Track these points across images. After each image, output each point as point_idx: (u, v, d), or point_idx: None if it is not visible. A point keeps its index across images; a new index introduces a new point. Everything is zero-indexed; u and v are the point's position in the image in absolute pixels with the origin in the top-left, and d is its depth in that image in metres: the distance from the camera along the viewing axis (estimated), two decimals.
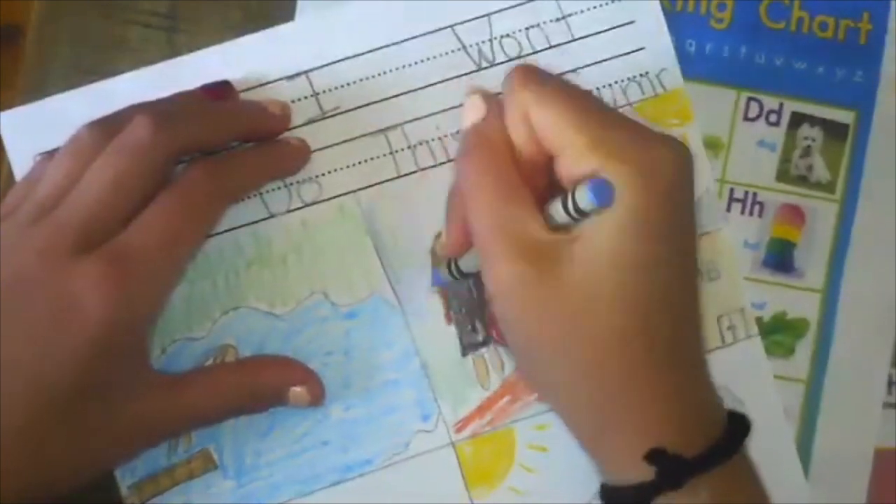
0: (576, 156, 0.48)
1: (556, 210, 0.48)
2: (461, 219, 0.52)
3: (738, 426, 0.49)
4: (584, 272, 0.47)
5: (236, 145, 0.55)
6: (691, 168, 0.49)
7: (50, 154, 0.54)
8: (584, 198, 0.46)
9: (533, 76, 0.50)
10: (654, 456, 0.47)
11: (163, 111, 0.52)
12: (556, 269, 0.47)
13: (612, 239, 0.47)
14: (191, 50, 0.58)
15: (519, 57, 0.57)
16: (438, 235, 0.57)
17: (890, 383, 0.58)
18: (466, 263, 0.54)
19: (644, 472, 0.47)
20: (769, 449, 0.56)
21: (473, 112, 0.51)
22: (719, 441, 0.48)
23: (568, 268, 0.47)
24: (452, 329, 0.57)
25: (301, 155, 0.56)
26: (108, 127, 0.51)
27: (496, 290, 0.49)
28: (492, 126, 0.51)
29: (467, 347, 0.57)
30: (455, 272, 0.55)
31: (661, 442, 0.47)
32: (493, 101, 0.51)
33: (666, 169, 0.48)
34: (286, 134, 0.56)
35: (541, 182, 0.50)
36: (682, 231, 0.49)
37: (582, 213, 0.47)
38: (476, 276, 0.55)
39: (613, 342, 0.48)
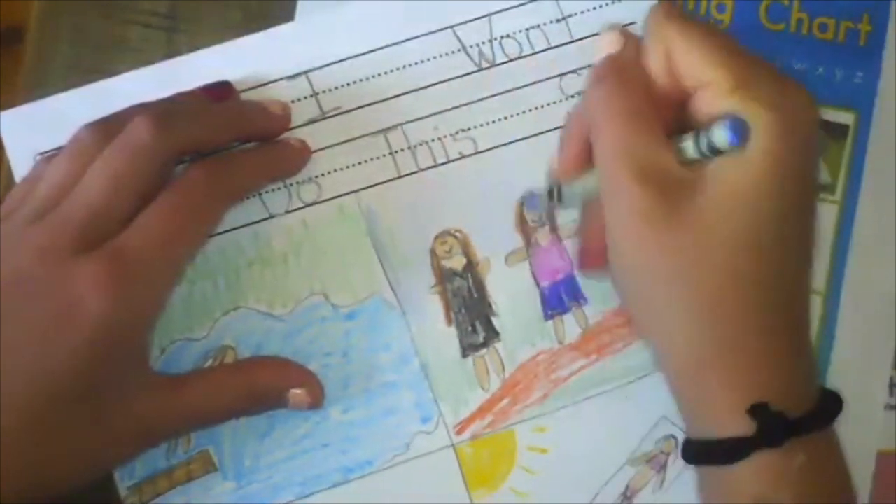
0: (716, 94, 0.48)
1: (688, 146, 0.48)
2: (578, 143, 0.52)
3: (832, 397, 0.49)
4: (711, 210, 0.47)
5: (236, 146, 0.55)
6: (819, 123, 0.49)
7: (50, 155, 0.54)
8: (721, 136, 0.46)
9: (677, 11, 0.50)
10: (758, 410, 0.46)
11: (163, 111, 0.52)
12: (683, 202, 0.47)
13: (744, 181, 0.47)
14: (191, 50, 0.58)
15: (519, 57, 0.57)
16: (439, 236, 0.57)
17: (891, 385, 0.58)
18: (570, 192, 0.54)
19: (742, 427, 0.46)
20: None
21: (609, 45, 0.51)
22: (819, 406, 0.48)
23: (695, 203, 0.47)
24: (452, 330, 0.57)
25: (301, 156, 0.56)
26: (108, 127, 0.51)
27: (618, 214, 0.49)
28: (628, 57, 0.51)
29: (467, 348, 0.57)
30: (557, 197, 0.55)
31: (765, 397, 0.46)
32: (630, 37, 0.51)
33: (804, 118, 0.48)
34: (286, 134, 0.56)
35: (671, 118, 0.50)
36: (811, 184, 0.49)
37: (714, 151, 0.47)
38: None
39: (730, 286, 0.47)
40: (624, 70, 0.50)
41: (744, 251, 0.47)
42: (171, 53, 0.59)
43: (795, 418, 0.46)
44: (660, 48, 0.50)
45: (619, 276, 0.51)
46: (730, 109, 0.47)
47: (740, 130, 0.46)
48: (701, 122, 0.48)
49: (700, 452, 0.49)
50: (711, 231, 0.47)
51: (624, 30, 0.52)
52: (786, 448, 0.46)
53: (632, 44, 0.51)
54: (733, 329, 0.47)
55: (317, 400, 0.55)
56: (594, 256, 0.54)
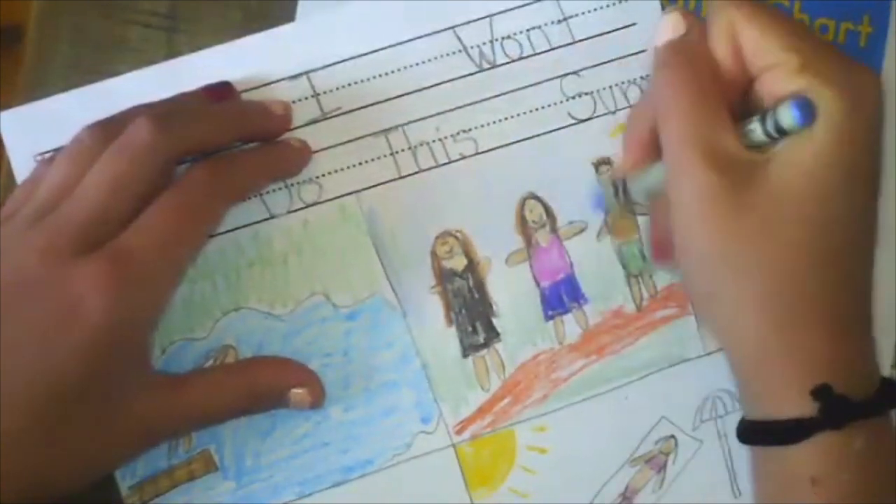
0: (783, 75, 0.48)
1: (755, 128, 0.48)
2: (643, 134, 0.53)
3: (891, 383, 0.49)
4: (777, 193, 0.47)
5: (238, 146, 0.55)
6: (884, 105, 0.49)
7: (50, 156, 0.54)
8: (787, 116, 0.46)
9: None
10: (822, 392, 0.47)
11: (163, 112, 0.52)
12: (748, 185, 0.47)
13: (811, 161, 0.47)
14: (191, 50, 0.58)
15: (520, 58, 0.57)
16: (439, 236, 0.57)
17: None
18: (636, 186, 0.55)
19: (804, 408, 0.47)
20: None
21: (671, 28, 0.51)
22: (880, 392, 0.48)
23: (761, 186, 0.47)
24: (453, 330, 0.57)
25: (302, 156, 0.56)
26: (109, 129, 0.51)
27: (685, 200, 0.49)
28: (693, 41, 0.51)
29: (468, 348, 0.57)
30: (622, 193, 0.55)
31: (828, 379, 0.47)
32: (692, 19, 0.51)
33: (870, 96, 0.48)
34: (287, 135, 0.56)
35: (735, 101, 0.50)
36: (877, 161, 0.49)
37: (781, 133, 0.47)
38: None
39: (797, 269, 0.47)
40: (689, 54, 0.50)
41: (813, 231, 0.47)
42: (171, 53, 0.59)
43: (858, 401, 0.47)
44: (724, 31, 0.50)
45: (685, 260, 0.51)
46: (796, 89, 0.47)
47: (807, 110, 0.46)
48: (766, 104, 0.49)
49: (758, 432, 0.49)
50: (780, 212, 0.47)
51: (685, 12, 0.51)
52: (846, 431, 0.47)
53: (695, 26, 0.51)
54: (802, 310, 0.48)
55: (318, 399, 0.55)
56: (665, 248, 0.54)
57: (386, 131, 0.57)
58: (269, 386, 0.54)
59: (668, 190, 0.50)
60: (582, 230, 0.58)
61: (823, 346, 0.47)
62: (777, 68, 0.48)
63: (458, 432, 0.57)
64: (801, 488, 0.47)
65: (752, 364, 0.49)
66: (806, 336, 0.47)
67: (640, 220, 0.58)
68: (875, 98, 0.48)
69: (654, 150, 0.53)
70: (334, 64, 0.57)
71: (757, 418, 0.49)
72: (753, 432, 0.50)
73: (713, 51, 0.50)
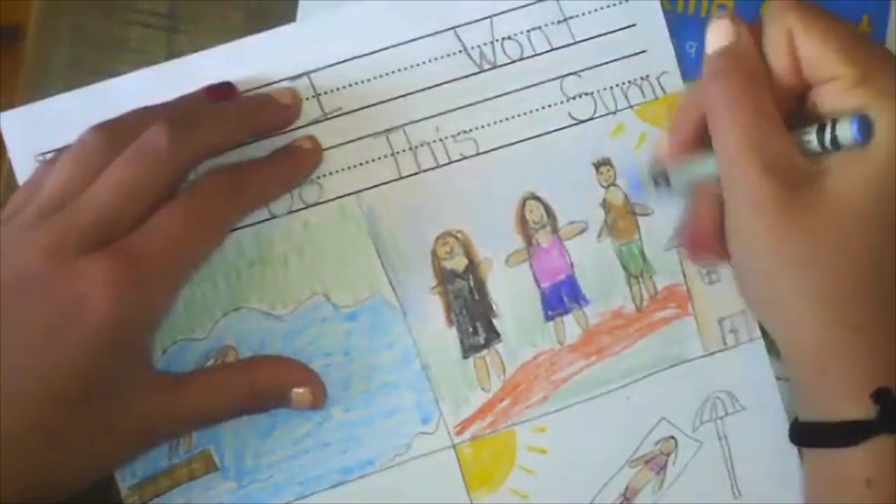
0: (841, 88, 0.48)
1: (811, 139, 0.49)
2: (690, 129, 0.54)
3: None
4: (836, 200, 0.48)
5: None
6: None
7: (52, 158, 0.54)
8: (846, 132, 0.47)
9: (800, 2, 0.50)
10: (881, 395, 0.47)
11: (179, 119, 0.51)
12: (807, 193, 0.48)
13: (867, 173, 0.48)
14: (191, 50, 0.58)
15: (520, 59, 0.57)
16: (440, 236, 0.57)
17: None
18: (675, 175, 0.55)
19: (862, 411, 0.47)
20: (770, 450, 0.57)
21: (722, 35, 0.51)
22: None
23: (819, 193, 0.48)
24: (453, 331, 0.57)
25: (314, 158, 0.56)
26: (114, 131, 0.51)
27: (743, 205, 0.49)
28: (747, 49, 0.51)
29: (468, 349, 0.57)
30: (664, 183, 0.56)
31: (889, 383, 0.47)
32: (743, 24, 0.52)
33: None
34: (296, 134, 0.56)
35: (788, 108, 0.51)
36: None
37: (837, 146, 0.48)
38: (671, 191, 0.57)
39: (859, 272, 0.48)
40: (742, 61, 0.51)
41: (874, 236, 0.48)
42: (171, 53, 0.59)
43: None
44: (782, 39, 0.50)
45: (743, 264, 0.52)
46: (855, 104, 0.48)
47: (865, 127, 0.47)
48: (823, 115, 0.49)
49: (814, 434, 0.49)
50: (841, 218, 0.48)
51: (734, 17, 0.52)
52: None
53: (746, 33, 0.51)
54: (864, 312, 0.48)
55: (319, 399, 0.55)
56: (705, 242, 0.55)
57: (387, 132, 0.57)
58: (270, 385, 0.54)
59: (724, 196, 0.51)
60: (582, 230, 0.58)
61: (885, 349, 0.48)
62: (835, 81, 0.49)
63: (459, 433, 0.57)
64: (855, 490, 0.48)
65: (812, 366, 0.50)
66: (868, 338, 0.48)
67: (641, 220, 0.58)
68: None
69: (698, 143, 0.53)
70: (335, 64, 0.57)
71: (812, 419, 0.50)
72: (809, 434, 0.50)
73: (770, 58, 0.51)
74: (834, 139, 0.48)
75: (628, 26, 0.58)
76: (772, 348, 0.57)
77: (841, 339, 0.48)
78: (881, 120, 0.47)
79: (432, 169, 0.57)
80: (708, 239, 0.55)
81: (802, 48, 0.50)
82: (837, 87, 0.49)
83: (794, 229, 0.48)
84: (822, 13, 0.50)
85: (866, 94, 0.48)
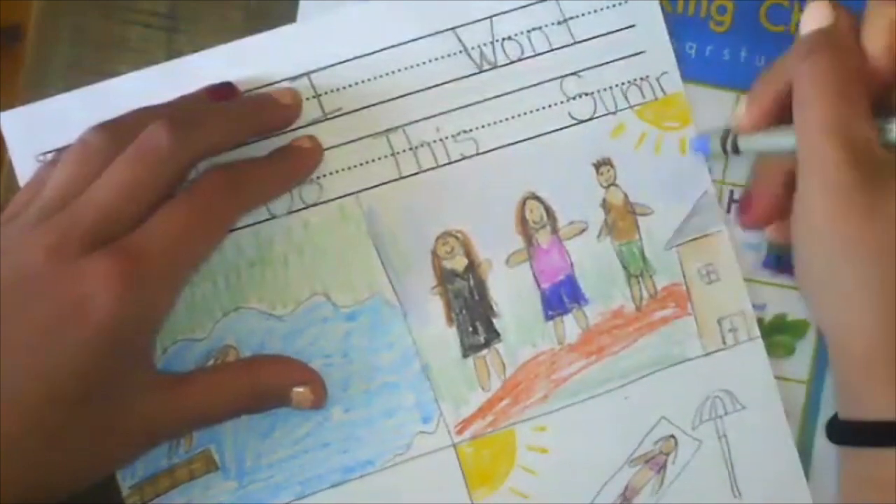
0: None
1: (891, 129, 0.49)
2: (770, 100, 0.54)
3: None
4: None
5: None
6: None
7: (53, 158, 0.54)
8: None
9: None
10: None
11: (180, 118, 0.51)
12: (883, 184, 0.48)
13: None
14: (191, 50, 0.58)
15: (520, 59, 0.58)
16: (440, 236, 0.57)
17: None
18: (747, 143, 0.55)
19: None
20: (770, 450, 0.57)
21: (818, 17, 0.52)
22: None
23: (890, 190, 0.48)
24: (453, 330, 0.57)
25: (314, 158, 0.56)
26: (116, 131, 0.51)
27: (820, 186, 0.49)
28: (843, 31, 0.51)
29: (468, 349, 0.57)
30: (730, 146, 0.56)
31: None
32: (841, 9, 0.52)
33: None
34: (297, 134, 0.56)
35: (877, 98, 0.51)
36: None
37: None
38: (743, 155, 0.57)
39: None
40: (839, 45, 0.51)
41: None
42: (171, 53, 0.59)
43: None
44: (883, 23, 0.50)
45: (807, 243, 0.51)
46: None
47: None
48: None
49: (855, 433, 0.50)
50: None
51: (833, 2, 0.52)
52: None
53: (845, 17, 0.51)
54: None
55: (320, 398, 0.55)
56: (762, 212, 0.56)
57: (387, 132, 0.57)
58: (271, 385, 0.54)
59: (798, 174, 0.51)
60: (582, 230, 0.58)
61: None
62: None
63: (459, 432, 0.57)
64: (892, 492, 0.47)
65: (860, 362, 0.50)
66: None
67: (641, 220, 0.58)
68: None
69: (775, 116, 0.54)
70: (335, 64, 0.57)
71: (853, 418, 0.50)
72: (849, 433, 0.50)
73: (867, 46, 0.51)
74: None
75: (628, 27, 0.58)
76: (770, 349, 0.58)
77: (893, 338, 0.48)
78: None
79: (432, 169, 0.57)
80: (766, 211, 0.55)
81: None
82: None
83: (866, 217, 0.48)
84: None
85: None
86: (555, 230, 0.58)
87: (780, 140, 0.53)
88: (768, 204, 0.56)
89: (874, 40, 0.51)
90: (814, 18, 0.52)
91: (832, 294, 0.51)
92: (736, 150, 0.56)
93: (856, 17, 0.52)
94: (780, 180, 0.55)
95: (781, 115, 0.53)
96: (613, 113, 0.58)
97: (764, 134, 0.55)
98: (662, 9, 0.58)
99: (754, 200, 0.57)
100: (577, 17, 0.58)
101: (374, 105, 0.57)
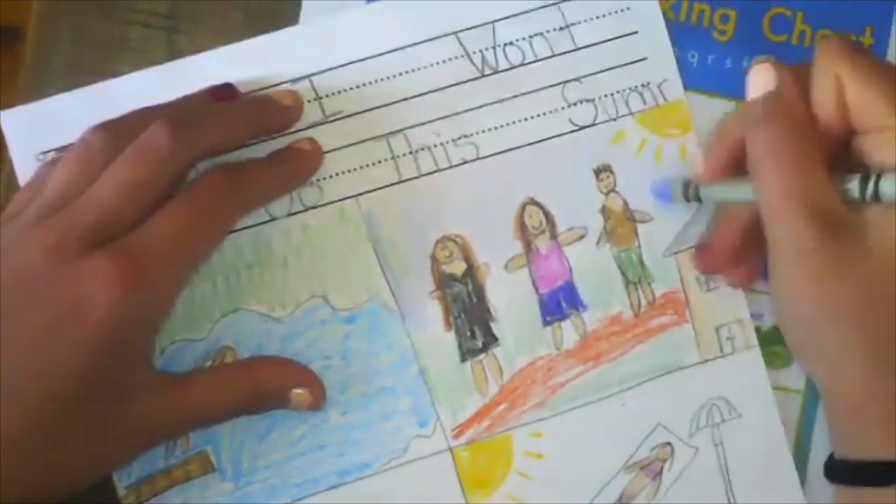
0: (888, 141, 0.48)
1: (851, 188, 0.49)
2: (728, 153, 0.54)
3: None
4: (876, 256, 0.48)
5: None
6: None
7: (53, 158, 0.54)
8: (890, 188, 0.47)
9: (850, 48, 0.50)
10: None
11: (180, 118, 0.51)
12: (849, 244, 0.48)
13: None
14: (191, 50, 0.58)
15: (522, 64, 0.58)
16: (439, 240, 0.57)
17: None
18: (708, 193, 0.55)
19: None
20: (766, 458, 0.57)
21: (764, 81, 0.52)
22: None
23: (861, 247, 0.48)
24: (451, 335, 0.57)
25: (314, 160, 0.56)
26: (116, 131, 0.51)
27: (785, 250, 0.49)
28: (789, 93, 0.51)
29: (466, 353, 0.57)
30: (691, 195, 0.56)
31: None
32: (786, 70, 0.52)
33: None
34: (297, 137, 0.56)
35: (833, 152, 0.50)
36: None
37: (878, 200, 0.48)
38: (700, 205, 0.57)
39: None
40: (788, 109, 0.51)
41: None
42: (171, 53, 0.59)
43: None
44: (829, 85, 0.50)
45: (785, 309, 0.52)
46: None
47: None
48: (868, 163, 0.49)
49: (850, 472, 0.50)
50: (883, 270, 0.48)
51: (776, 63, 0.52)
52: None
53: (790, 77, 0.51)
54: None
55: (318, 400, 0.55)
56: (719, 258, 0.56)
57: (387, 135, 0.57)
58: (270, 386, 0.54)
59: (768, 242, 0.51)
60: (581, 236, 0.58)
61: None
62: (883, 133, 0.49)
63: (456, 437, 0.57)
64: None
65: (853, 408, 0.50)
66: None
67: (640, 227, 0.58)
68: None
69: (734, 167, 0.54)
70: (337, 67, 0.57)
71: (848, 457, 0.50)
72: (844, 472, 0.50)
73: (816, 103, 0.51)
74: (876, 193, 0.48)
75: (630, 33, 0.58)
76: (767, 358, 0.58)
77: (884, 384, 0.48)
78: None
79: (432, 173, 0.57)
80: (725, 259, 0.56)
81: (851, 96, 0.49)
82: (884, 138, 0.48)
83: (836, 280, 0.48)
84: (873, 61, 0.50)
85: None
86: (554, 236, 0.58)
87: (740, 192, 0.53)
88: (724, 253, 0.56)
89: (823, 99, 0.50)
90: (760, 82, 0.52)
91: (816, 352, 0.51)
92: (698, 199, 0.56)
93: (803, 70, 0.52)
94: (739, 230, 0.55)
95: (738, 167, 0.53)
96: (614, 119, 0.58)
97: (723, 185, 0.55)
98: (665, 17, 0.58)
99: (713, 248, 0.57)
100: (579, 23, 0.58)
101: (374, 108, 0.57)
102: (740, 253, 0.56)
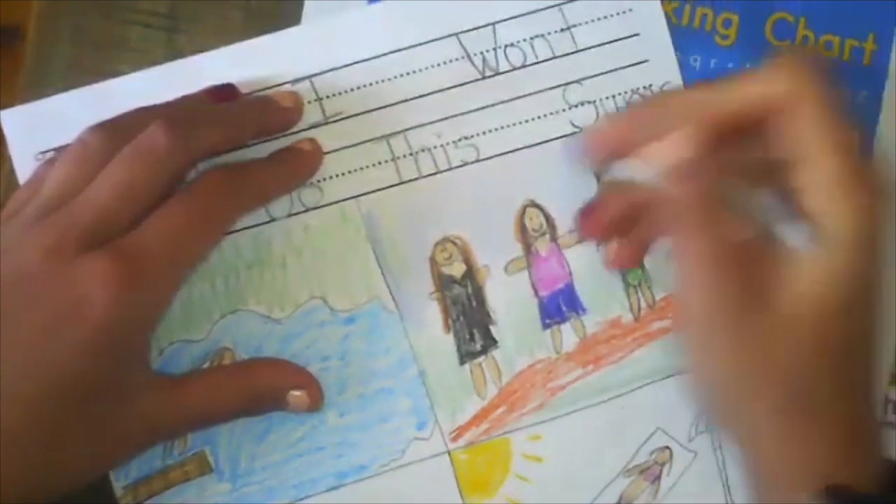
0: (821, 183, 0.49)
1: (768, 212, 0.50)
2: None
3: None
4: (787, 314, 0.49)
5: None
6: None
7: (52, 157, 0.54)
8: (796, 240, 0.49)
9: (824, 66, 0.50)
10: (832, 492, 0.47)
11: (179, 118, 0.51)
12: (759, 305, 0.49)
13: (821, 279, 0.48)
14: (191, 50, 0.58)
15: (523, 66, 0.58)
16: (439, 242, 0.57)
17: (888, 402, 0.58)
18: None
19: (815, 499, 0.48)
20: None
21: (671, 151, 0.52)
22: (889, 483, 0.49)
23: (771, 308, 0.49)
24: (450, 337, 0.57)
25: (314, 161, 0.56)
26: (114, 131, 0.51)
27: (695, 311, 0.50)
28: (707, 190, 0.51)
29: (465, 356, 0.57)
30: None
31: (838, 478, 0.48)
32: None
33: (874, 221, 0.49)
34: (297, 137, 0.56)
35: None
36: (877, 280, 0.50)
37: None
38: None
39: (807, 384, 0.49)
40: (701, 211, 0.51)
41: (818, 348, 0.49)
42: (171, 53, 0.59)
43: (868, 495, 0.48)
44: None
45: (701, 383, 0.52)
46: (824, 204, 0.48)
47: (812, 238, 0.48)
48: (790, 193, 0.50)
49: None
50: (789, 333, 0.49)
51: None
52: None
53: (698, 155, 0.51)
54: (815, 422, 0.49)
55: (316, 402, 0.55)
56: (602, 223, 0.57)
57: (388, 136, 0.57)
58: (268, 387, 0.54)
59: (681, 303, 0.52)
60: (582, 240, 0.58)
61: (837, 454, 0.49)
62: (810, 168, 0.49)
63: (454, 439, 0.57)
64: None
65: (767, 473, 0.50)
66: (820, 447, 0.49)
67: None
68: (878, 218, 0.49)
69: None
70: (337, 68, 0.57)
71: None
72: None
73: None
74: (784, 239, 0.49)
75: (631, 35, 0.58)
76: None
77: (792, 451, 0.49)
78: (833, 226, 0.48)
79: (433, 174, 0.57)
80: (609, 225, 0.56)
81: (791, 120, 0.50)
82: (811, 176, 0.49)
83: (743, 348, 0.49)
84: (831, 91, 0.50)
85: (834, 198, 0.48)
86: (554, 238, 0.58)
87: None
88: (609, 217, 0.56)
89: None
90: (659, 155, 0.52)
91: (732, 418, 0.52)
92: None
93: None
94: (628, 199, 0.55)
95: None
96: None
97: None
98: (667, 21, 0.58)
99: (597, 210, 0.57)
100: (581, 24, 0.58)
101: (375, 109, 0.57)
102: (627, 224, 0.56)
